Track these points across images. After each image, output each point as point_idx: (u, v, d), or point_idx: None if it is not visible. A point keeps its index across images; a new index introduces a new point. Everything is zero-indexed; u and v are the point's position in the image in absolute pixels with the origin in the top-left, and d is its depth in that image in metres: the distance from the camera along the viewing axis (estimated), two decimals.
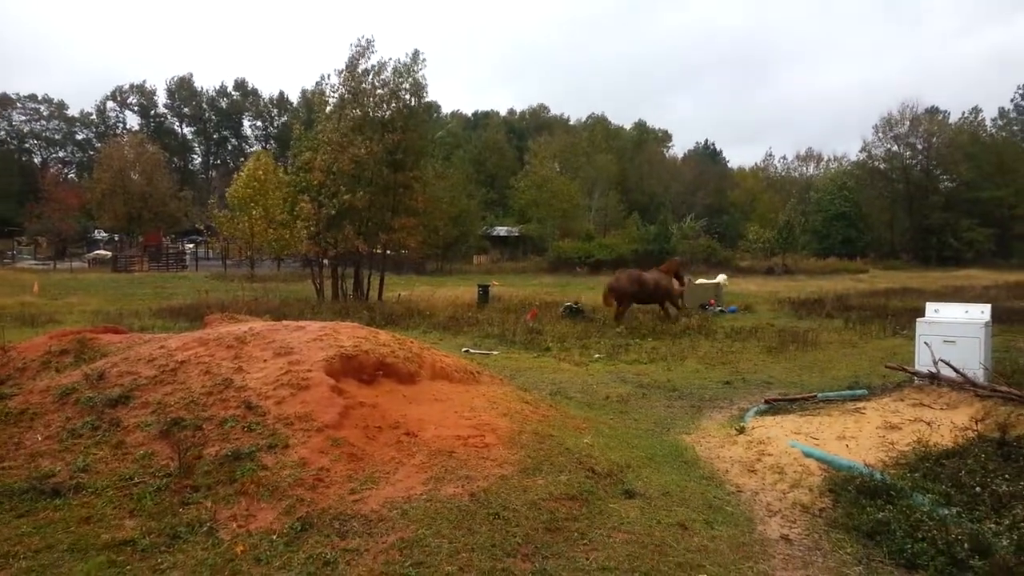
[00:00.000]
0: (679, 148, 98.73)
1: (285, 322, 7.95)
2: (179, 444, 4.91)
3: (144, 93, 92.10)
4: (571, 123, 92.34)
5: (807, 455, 6.34)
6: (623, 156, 77.61)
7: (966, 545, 4.34)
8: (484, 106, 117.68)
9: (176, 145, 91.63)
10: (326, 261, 24.56)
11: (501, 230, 62.63)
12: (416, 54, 24.28)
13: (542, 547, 4.18)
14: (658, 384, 10.58)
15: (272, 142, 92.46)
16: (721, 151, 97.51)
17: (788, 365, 12.45)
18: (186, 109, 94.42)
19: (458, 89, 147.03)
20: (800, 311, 21.14)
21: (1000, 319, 16.07)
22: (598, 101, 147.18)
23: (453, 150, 66.01)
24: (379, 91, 24.18)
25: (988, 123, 75.39)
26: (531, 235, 56.57)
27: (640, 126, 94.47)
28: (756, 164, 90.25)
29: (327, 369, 6.06)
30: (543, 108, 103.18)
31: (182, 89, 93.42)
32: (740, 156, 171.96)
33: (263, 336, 6.74)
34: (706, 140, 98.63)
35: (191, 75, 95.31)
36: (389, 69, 24.16)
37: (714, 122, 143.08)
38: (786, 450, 6.51)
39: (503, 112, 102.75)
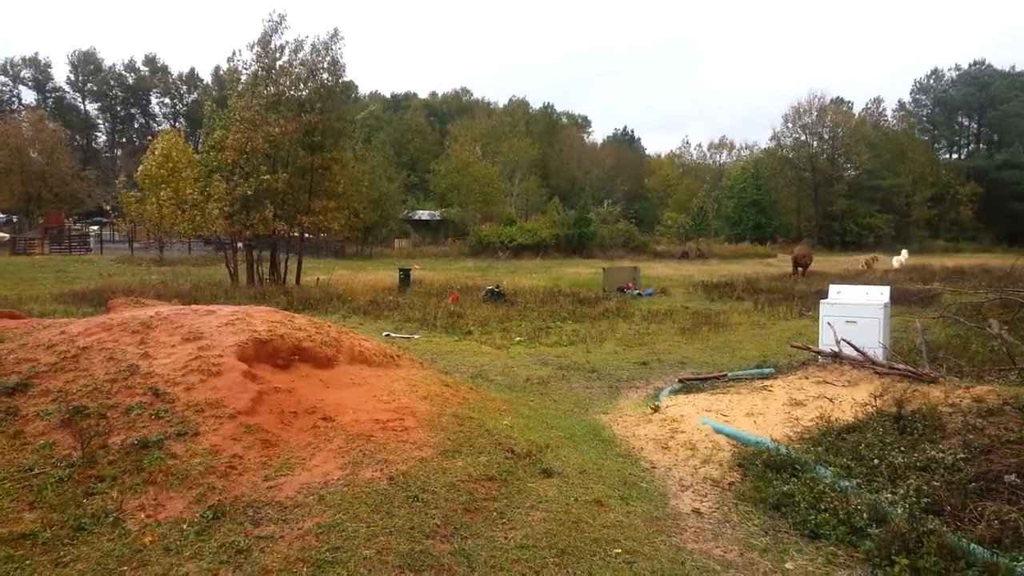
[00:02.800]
0: (599, 134, 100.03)
1: (194, 306, 7.69)
2: (82, 433, 4.69)
3: (38, 67, 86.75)
4: (493, 107, 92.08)
5: (717, 431, 6.58)
6: (544, 141, 77.94)
7: (865, 515, 4.58)
8: (403, 88, 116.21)
9: (79, 122, 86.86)
10: (240, 244, 23.84)
11: (423, 214, 62.16)
12: (335, 32, 23.88)
13: (461, 528, 4.21)
14: (578, 366, 10.76)
15: (182, 120, 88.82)
16: (639, 138, 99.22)
17: (701, 346, 12.87)
18: (90, 85, 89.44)
19: (377, 69, 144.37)
20: (712, 294, 21.86)
21: (898, 300, 16.99)
22: (521, 85, 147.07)
23: (373, 132, 64.99)
24: (296, 69, 23.59)
25: (889, 114, 79.59)
26: (453, 219, 56.29)
27: (562, 111, 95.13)
28: (672, 151, 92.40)
29: (239, 354, 5.91)
30: (465, 91, 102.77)
31: (86, 63, 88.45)
32: (657, 143, 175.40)
33: (171, 321, 6.51)
34: (624, 127, 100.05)
35: (95, 49, 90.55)
36: (307, 47, 23.63)
37: (633, 109, 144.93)
38: (698, 427, 6.74)
39: (424, 95, 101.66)
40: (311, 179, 23.92)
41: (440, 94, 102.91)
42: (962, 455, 5.23)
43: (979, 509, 4.58)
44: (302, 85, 23.76)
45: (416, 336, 13.50)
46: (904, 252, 32.30)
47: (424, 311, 16.35)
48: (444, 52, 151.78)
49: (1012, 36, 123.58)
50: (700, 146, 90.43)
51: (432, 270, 32.10)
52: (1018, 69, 78.15)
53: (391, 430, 5.41)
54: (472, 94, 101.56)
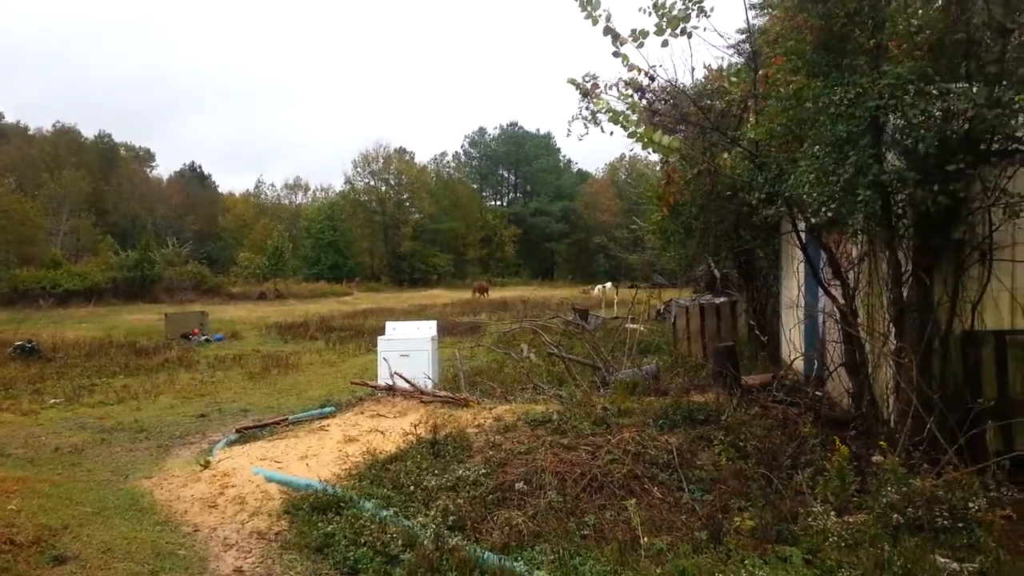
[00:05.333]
0: (165, 169, 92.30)
1: None
2: None
3: None
4: (35, 133, 78.74)
5: (269, 480, 6.42)
6: (98, 174, 69.36)
7: (400, 541, 4.80)
8: None
9: None
10: None
11: None
12: None
13: None
14: (124, 426, 9.69)
15: None
16: (210, 175, 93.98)
17: (268, 390, 12.61)
18: None
19: None
20: (287, 335, 21.66)
21: (450, 332, 18.84)
22: (70, 112, 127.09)
23: None
24: None
25: (450, 165, 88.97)
26: None
27: (118, 142, 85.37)
28: (248, 191, 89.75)
29: None
30: None
31: None
32: (232, 182, 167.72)
33: None
34: (193, 162, 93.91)
35: None
36: None
37: (204, 146, 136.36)
38: (250, 478, 6.51)
39: None
40: None
41: None
42: (483, 471, 5.90)
43: (495, 518, 5.20)
44: None
45: None
46: (609, 284, 36.45)
47: None
48: None
49: (535, 103, 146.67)
50: (274, 186, 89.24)
51: None
52: (543, 132, 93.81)
53: None
54: (4, 117, 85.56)
